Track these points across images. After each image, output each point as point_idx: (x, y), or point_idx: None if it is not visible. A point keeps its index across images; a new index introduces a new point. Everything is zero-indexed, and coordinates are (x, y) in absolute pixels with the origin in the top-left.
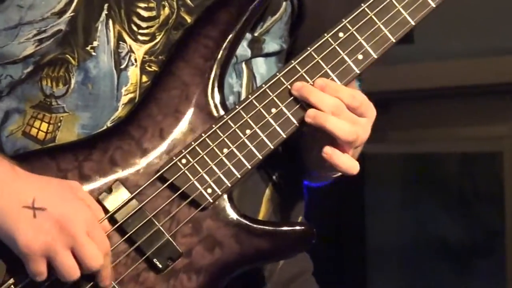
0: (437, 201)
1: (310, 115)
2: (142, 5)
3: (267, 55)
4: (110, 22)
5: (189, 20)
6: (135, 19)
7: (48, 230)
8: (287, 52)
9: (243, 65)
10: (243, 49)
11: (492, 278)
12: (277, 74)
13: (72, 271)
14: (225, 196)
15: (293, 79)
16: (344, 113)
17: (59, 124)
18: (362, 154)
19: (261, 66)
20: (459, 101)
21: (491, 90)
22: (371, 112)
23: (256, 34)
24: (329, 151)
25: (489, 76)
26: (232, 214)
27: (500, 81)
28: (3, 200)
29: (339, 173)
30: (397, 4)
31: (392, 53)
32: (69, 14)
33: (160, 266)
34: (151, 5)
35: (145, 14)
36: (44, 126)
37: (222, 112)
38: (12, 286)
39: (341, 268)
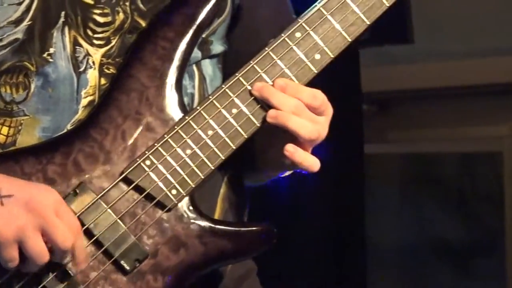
0: (437, 201)
1: (272, 115)
2: (98, 11)
3: (213, 56)
4: (66, 28)
5: (143, 24)
6: (91, 25)
7: (18, 214)
8: (224, 53)
9: (194, 67)
10: (194, 51)
11: (492, 278)
12: (237, 74)
13: (43, 253)
14: (188, 197)
15: (252, 80)
16: (304, 113)
17: (19, 127)
18: (362, 154)
19: (208, 67)
20: (458, 101)
21: (491, 90)
22: (329, 110)
23: (204, 36)
24: (291, 149)
25: (489, 76)
26: (195, 215)
27: (500, 81)
28: None
29: (289, 172)
30: (352, 4)
31: (392, 53)
32: (26, 22)
33: (128, 267)
34: (106, 11)
35: (100, 20)
36: (4, 130)
37: (181, 113)
38: None
39: (341, 268)
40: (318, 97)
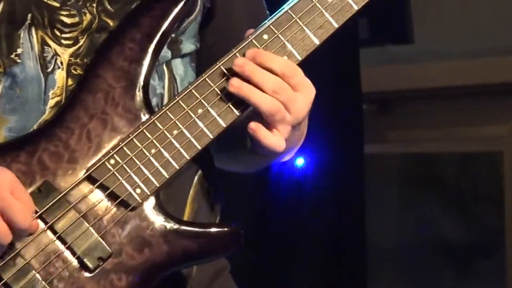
0: (437, 201)
1: (235, 85)
2: (64, 13)
3: (184, 55)
4: (33, 29)
5: (111, 24)
6: (59, 26)
7: None
8: (197, 51)
9: (164, 67)
10: (164, 51)
11: (492, 278)
12: (203, 75)
13: (5, 233)
14: (153, 197)
15: (219, 82)
16: (283, 89)
17: None
18: (362, 153)
19: (179, 67)
20: (458, 101)
21: (491, 90)
22: (308, 89)
23: (173, 35)
24: (253, 126)
25: (489, 76)
26: (160, 215)
27: (500, 81)
28: None
29: (269, 158)
30: (319, 6)
31: (393, 53)
32: None
33: (91, 266)
34: (72, 12)
35: (67, 21)
36: None
37: (147, 114)
38: None
39: (341, 267)
40: (291, 66)
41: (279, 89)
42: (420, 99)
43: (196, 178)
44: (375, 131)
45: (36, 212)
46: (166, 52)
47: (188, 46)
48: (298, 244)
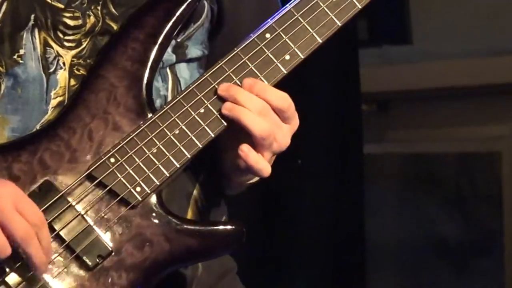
0: (436, 200)
1: (227, 107)
2: (68, 14)
3: (190, 60)
4: (36, 30)
5: (115, 27)
6: (62, 28)
7: None
8: (207, 58)
9: (168, 70)
10: (168, 54)
11: (490, 277)
12: (204, 74)
13: (3, 246)
14: (154, 195)
15: (220, 79)
16: (269, 115)
17: None
18: (361, 153)
19: (184, 71)
20: (457, 101)
21: (489, 91)
22: (295, 121)
23: (179, 40)
24: (245, 149)
25: (487, 76)
26: (161, 213)
27: (499, 82)
28: None
29: (251, 180)
30: (322, 5)
31: (392, 54)
32: None
33: (90, 263)
34: (76, 14)
35: (71, 23)
36: None
37: (149, 113)
38: None
39: (341, 267)
40: (286, 99)
41: (278, 122)
42: (419, 99)
43: (200, 179)
44: (375, 131)
45: None
46: (170, 56)
47: (195, 51)
48: (298, 242)
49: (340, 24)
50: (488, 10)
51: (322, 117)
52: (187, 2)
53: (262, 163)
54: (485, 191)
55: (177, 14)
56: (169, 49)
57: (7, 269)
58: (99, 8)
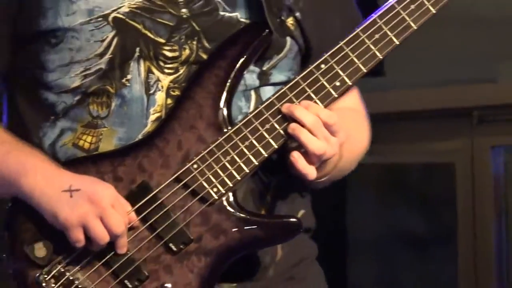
0: (405, 203)
1: (291, 127)
2: (167, 48)
3: (275, 84)
4: (141, 60)
5: (205, 58)
6: (162, 58)
7: (82, 204)
8: None
9: (252, 92)
10: (252, 80)
11: (447, 263)
12: (271, 97)
13: (103, 235)
14: (230, 194)
15: (283, 101)
16: (320, 129)
17: (100, 137)
18: None
19: (270, 92)
20: (420, 121)
21: (445, 113)
22: (342, 134)
23: (264, 69)
24: (295, 155)
25: (443, 102)
26: (234, 209)
27: (452, 106)
28: (48, 188)
29: (321, 183)
30: (367, 41)
31: (368, 83)
32: (108, 55)
33: (175, 249)
34: (174, 47)
35: (169, 54)
36: (89, 139)
37: (226, 128)
38: (60, 261)
39: (326, 255)
40: (333, 116)
41: (328, 136)
42: (391, 120)
43: (272, 185)
44: None
45: (134, 206)
46: (254, 81)
47: (279, 77)
48: None
49: (381, 57)
50: (439, 47)
51: None
52: (259, 39)
53: (308, 169)
54: (443, 194)
55: (251, 48)
56: (254, 76)
57: (107, 254)
58: (194, 42)
